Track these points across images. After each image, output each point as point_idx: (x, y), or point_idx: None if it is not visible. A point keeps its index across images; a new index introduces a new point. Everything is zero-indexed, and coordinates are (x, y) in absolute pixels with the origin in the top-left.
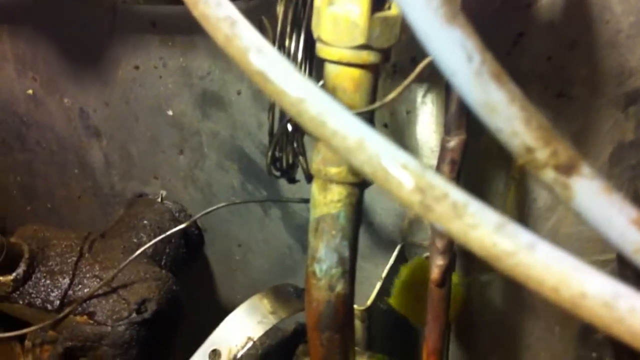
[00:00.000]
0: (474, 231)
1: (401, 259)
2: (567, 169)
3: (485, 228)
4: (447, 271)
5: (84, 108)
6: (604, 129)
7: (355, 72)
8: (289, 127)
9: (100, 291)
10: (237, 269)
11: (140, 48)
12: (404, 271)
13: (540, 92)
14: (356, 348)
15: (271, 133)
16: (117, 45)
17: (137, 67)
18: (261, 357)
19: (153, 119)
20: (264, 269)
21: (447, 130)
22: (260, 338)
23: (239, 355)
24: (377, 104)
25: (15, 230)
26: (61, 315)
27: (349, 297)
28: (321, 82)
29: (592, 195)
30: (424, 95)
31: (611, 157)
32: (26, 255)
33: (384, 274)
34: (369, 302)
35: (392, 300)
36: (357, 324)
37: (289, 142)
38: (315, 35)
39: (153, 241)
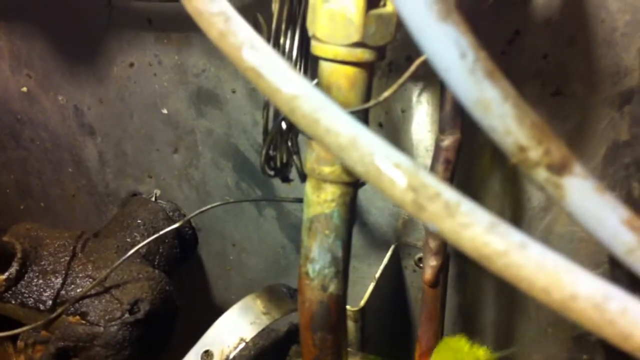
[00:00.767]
0: (466, 230)
1: (395, 260)
2: (560, 168)
3: (477, 227)
4: (440, 271)
5: (78, 106)
6: (600, 128)
7: (350, 70)
8: (283, 126)
9: (92, 291)
10: (231, 269)
11: (135, 45)
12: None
13: (537, 90)
14: (349, 349)
15: (265, 131)
16: (112, 42)
17: (132, 65)
18: (254, 358)
19: (148, 117)
20: (258, 269)
21: (441, 129)
22: (253, 339)
23: (231, 356)
24: (371, 103)
25: (8, 228)
26: (54, 315)
27: (341, 297)
28: (316, 80)
29: (584, 195)
30: (419, 94)
31: (606, 156)
32: (19, 255)
33: (377, 274)
34: (362, 303)
35: None
36: (350, 324)
37: (283, 140)
38: (310, 33)
39: (146, 241)
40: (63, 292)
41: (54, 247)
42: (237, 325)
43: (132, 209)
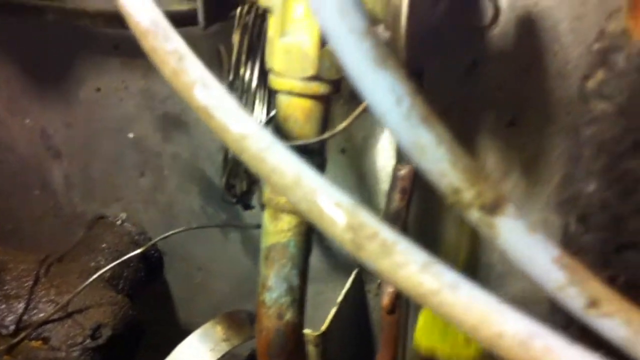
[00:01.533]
0: (401, 270)
1: (358, 284)
2: (492, 209)
3: (412, 267)
4: (397, 298)
5: (45, 129)
6: (553, 157)
7: (306, 103)
8: None
9: (55, 316)
10: (197, 293)
11: (102, 70)
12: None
13: (493, 120)
14: None
15: (225, 160)
16: (80, 66)
17: (98, 89)
18: None
19: (114, 141)
20: (224, 293)
21: (398, 159)
22: None
23: None
24: (327, 134)
25: None
26: (16, 340)
27: (298, 325)
28: (273, 112)
29: (516, 234)
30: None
31: (558, 185)
32: None
33: (339, 299)
34: (323, 328)
35: (418, 334)
36: (312, 349)
37: (242, 170)
38: (267, 66)
39: (109, 266)
40: (26, 316)
41: (17, 271)
42: (197, 351)
43: (98, 232)
